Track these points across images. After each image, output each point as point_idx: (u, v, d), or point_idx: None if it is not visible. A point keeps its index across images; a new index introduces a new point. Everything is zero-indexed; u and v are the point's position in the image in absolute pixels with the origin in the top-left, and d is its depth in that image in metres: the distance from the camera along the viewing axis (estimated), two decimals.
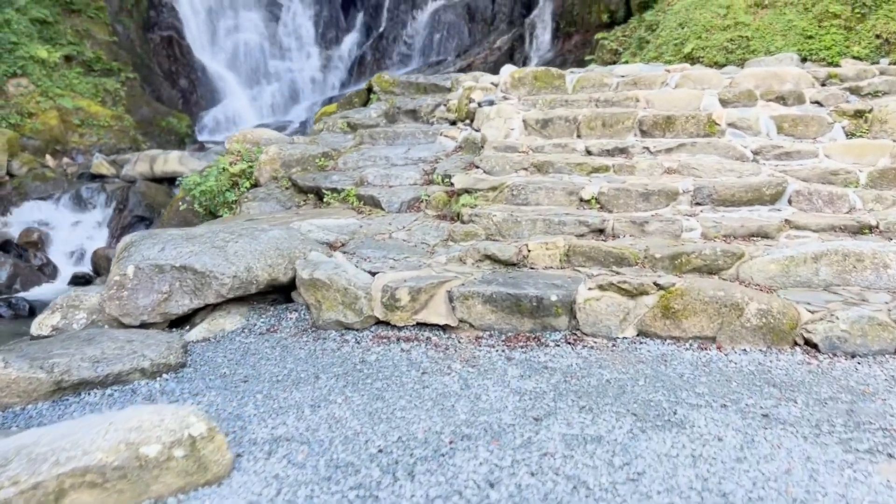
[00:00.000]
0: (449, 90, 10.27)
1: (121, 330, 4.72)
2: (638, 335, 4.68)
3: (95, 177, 13.81)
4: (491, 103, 8.33)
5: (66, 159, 14.36)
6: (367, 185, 7.69)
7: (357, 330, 4.90)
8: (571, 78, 9.12)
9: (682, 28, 13.92)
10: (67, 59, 17.20)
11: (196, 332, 4.97)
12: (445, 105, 9.49)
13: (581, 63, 22.21)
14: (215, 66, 22.75)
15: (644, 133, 7.84)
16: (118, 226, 12.26)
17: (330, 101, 20.16)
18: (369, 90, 11.05)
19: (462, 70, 21.94)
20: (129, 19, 21.17)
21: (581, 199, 6.47)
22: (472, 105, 8.51)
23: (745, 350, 4.46)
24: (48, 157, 14.13)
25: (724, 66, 12.67)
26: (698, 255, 5.16)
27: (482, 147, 7.90)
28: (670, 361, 4.29)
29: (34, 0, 17.10)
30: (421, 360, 4.35)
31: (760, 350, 4.46)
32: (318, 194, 7.56)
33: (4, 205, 12.52)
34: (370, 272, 5.17)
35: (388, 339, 4.71)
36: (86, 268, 11.39)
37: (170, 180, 13.31)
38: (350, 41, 24.16)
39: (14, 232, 11.85)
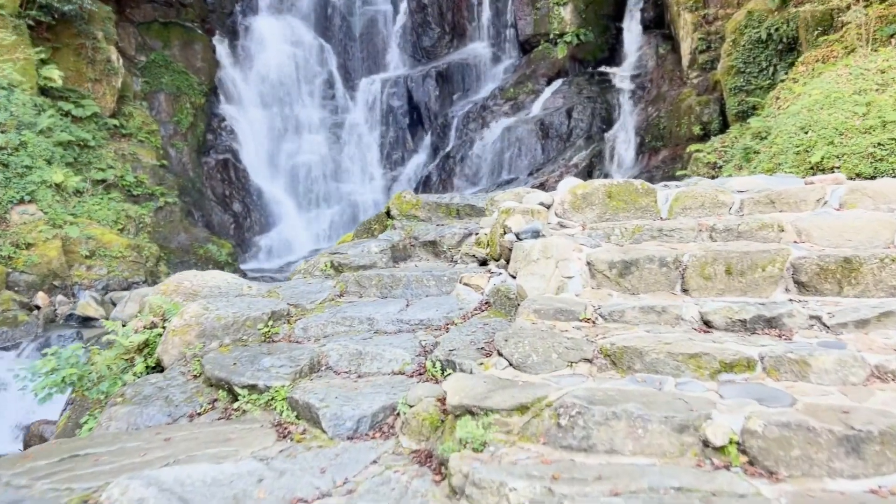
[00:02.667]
0: (485, 213, 6.99)
1: None
2: None
3: (85, 319, 11.09)
4: (535, 235, 4.93)
5: (60, 297, 11.75)
6: (320, 375, 4.34)
7: None
8: (666, 195, 5.65)
9: (806, 133, 10.34)
10: (102, 183, 15.08)
11: None
12: (477, 235, 6.18)
13: (668, 180, 18.79)
14: (272, 190, 20.49)
15: (803, 287, 4.23)
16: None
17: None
18: (388, 214, 7.91)
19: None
20: (184, 143, 19.29)
21: (706, 445, 2.87)
22: (509, 237, 5.14)
23: None
24: (40, 294, 11.55)
25: (873, 177, 9.00)
26: None
27: (517, 305, 4.48)
28: None
29: (69, 124, 15.22)
30: None
31: None
32: (232, 392, 4.24)
33: None
34: None
35: None
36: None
37: None
38: (416, 162, 21.62)
39: None
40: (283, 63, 21.95)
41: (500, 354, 3.74)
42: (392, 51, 23.02)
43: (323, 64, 22.46)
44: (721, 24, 18.88)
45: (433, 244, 6.41)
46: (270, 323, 5.05)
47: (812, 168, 9.95)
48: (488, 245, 5.69)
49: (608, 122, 19.77)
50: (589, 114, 19.75)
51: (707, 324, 3.97)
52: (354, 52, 22.93)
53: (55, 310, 11.38)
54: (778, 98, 12.85)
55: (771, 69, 16.31)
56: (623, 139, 19.17)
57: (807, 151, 10.10)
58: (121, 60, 17.50)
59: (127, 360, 4.97)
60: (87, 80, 16.77)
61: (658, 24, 21.33)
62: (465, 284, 5.20)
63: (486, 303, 4.99)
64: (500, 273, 5.15)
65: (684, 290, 4.45)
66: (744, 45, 16.71)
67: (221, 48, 21.85)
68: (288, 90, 21.88)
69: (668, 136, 18.53)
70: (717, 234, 4.93)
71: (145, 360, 4.86)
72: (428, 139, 21.71)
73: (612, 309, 4.13)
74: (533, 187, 19.74)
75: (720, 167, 13.39)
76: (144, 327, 5.19)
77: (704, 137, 18.01)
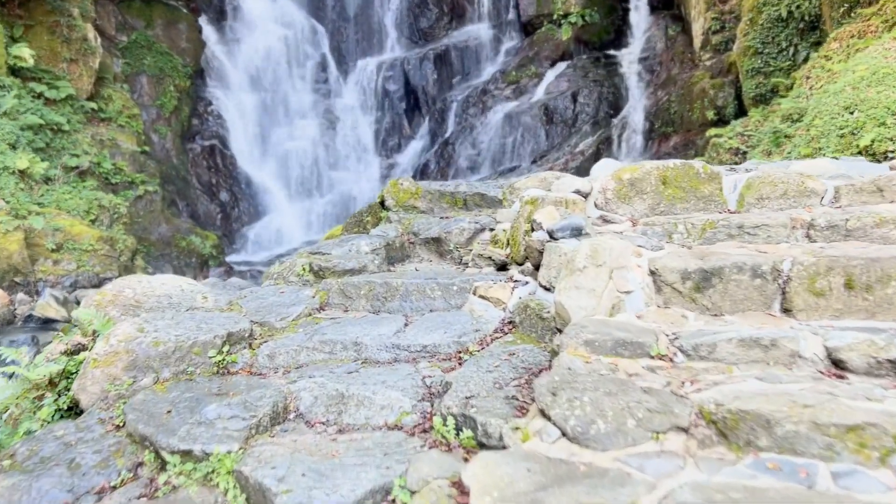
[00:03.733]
0: (501, 203, 5.70)
1: None
2: None
3: (46, 321, 9.80)
4: (577, 233, 3.64)
5: (21, 295, 10.43)
6: (285, 429, 3.06)
7: None
8: (734, 181, 4.35)
9: (851, 113, 9.07)
10: (75, 170, 13.73)
11: None
12: (493, 231, 4.90)
13: None
14: (262, 178, 19.14)
15: None
16: None
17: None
18: (383, 205, 6.62)
19: None
20: (167, 128, 17.91)
21: None
22: (539, 235, 3.85)
23: None
24: None
25: None
26: None
27: (558, 331, 3.23)
28: None
29: (41, 106, 13.85)
30: None
31: None
32: (160, 457, 2.96)
33: None
34: None
35: None
36: None
37: None
38: (413, 148, 20.28)
39: None
40: (274, 44, 20.55)
41: (544, 415, 2.47)
42: (388, 32, 21.63)
43: (315, 46, 21.07)
44: (735, 2, 17.54)
45: (437, 242, 5.13)
46: (226, 349, 3.77)
47: (861, 152, 8.69)
48: (508, 244, 4.41)
49: (615, 107, 18.46)
50: (595, 98, 18.43)
51: (838, 364, 2.71)
52: (348, 34, 21.53)
53: (14, 309, 10.08)
54: (808, 77, 11.57)
55: (791, 49, 15.01)
56: (632, 124, 17.87)
57: (853, 134, 8.83)
58: (99, 40, 16.09)
59: (37, 397, 3.69)
60: (62, 61, 15.38)
61: (667, 4, 19.98)
62: (482, 297, 3.92)
63: (510, 322, 3.72)
64: (527, 282, 3.87)
65: (786, 311, 3.18)
66: (762, 25, 15.40)
67: (208, 28, 20.43)
68: (278, 73, 20.50)
69: (680, 121, 17.24)
70: (816, 232, 3.65)
71: (57, 398, 3.58)
72: (426, 125, 20.38)
73: (697, 340, 2.85)
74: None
75: (744, 153, 12.12)
76: (63, 352, 3.91)
77: (719, 122, 16.71)
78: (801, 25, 14.81)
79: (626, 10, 20.62)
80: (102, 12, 17.46)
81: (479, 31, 21.14)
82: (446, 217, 5.72)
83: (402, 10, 21.47)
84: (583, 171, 17.65)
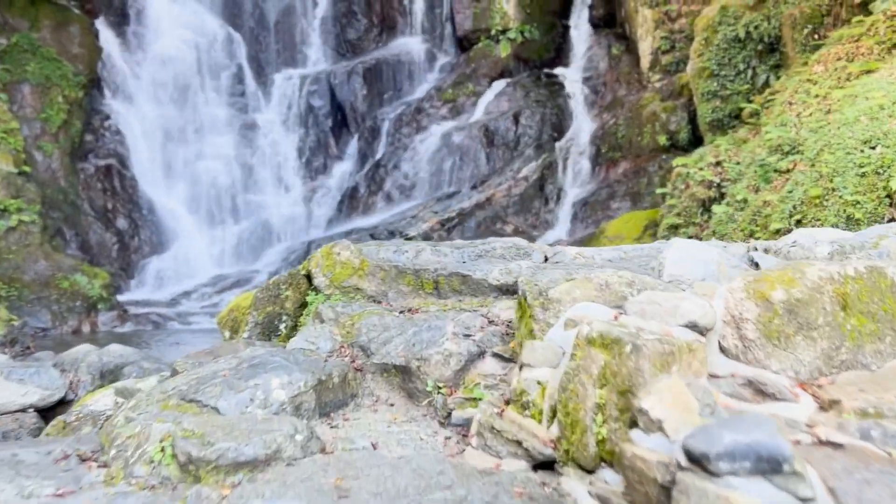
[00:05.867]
0: (491, 291, 3.53)
1: None
2: None
3: None
4: (769, 469, 1.54)
5: None
6: None
7: None
8: None
9: (873, 148, 7.43)
10: None
11: None
12: (503, 360, 2.72)
13: (635, 197, 15.87)
14: (167, 202, 16.38)
15: None
16: None
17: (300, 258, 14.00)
18: (309, 278, 4.38)
19: (479, 206, 15.58)
20: (54, 145, 14.96)
21: None
22: (656, 444, 1.74)
23: None
24: None
25: None
26: None
27: None
28: None
29: None
30: None
31: None
32: None
33: None
34: None
35: None
36: None
37: None
38: (341, 170, 17.94)
39: None
40: (183, 53, 17.82)
41: None
42: (312, 43, 19.24)
43: (231, 55, 18.46)
44: (686, 21, 16.09)
45: (403, 373, 2.97)
46: None
47: (889, 196, 7.04)
48: (554, 418, 2.28)
49: (559, 129, 16.69)
50: (538, 119, 16.61)
51: None
52: (268, 43, 19.02)
53: None
54: (792, 103, 9.98)
55: (750, 72, 13.57)
56: (577, 149, 16.13)
57: (877, 174, 7.17)
58: None
59: None
60: None
61: (609, 23, 18.43)
62: None
63: None
64: None
65: None
66: (718, 45, 13.91)
67: (107, 33, 17.52)
68: (189, 84, 17.77)
69: (628, 145, 15.61)
70: None
71: None
72: (354, 144, 18.09)
73: None
74: (477, 203, 16.44)
75: (720, 186, 10.44)
76: None
77: (672, 148, 15.15)
78: (760, 47, 13.40)
79: (567, 28, 18.99)
80: None
81: (411, 44, 19.05)
82: (410, 311, 3.55)
83: (327, 20, 19.14)
84: (527, 197, 15.80)
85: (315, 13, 19.29)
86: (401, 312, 3.60)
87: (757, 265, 2.89)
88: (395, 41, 19.18)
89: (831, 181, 7.49)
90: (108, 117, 16.64)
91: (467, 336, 2.98)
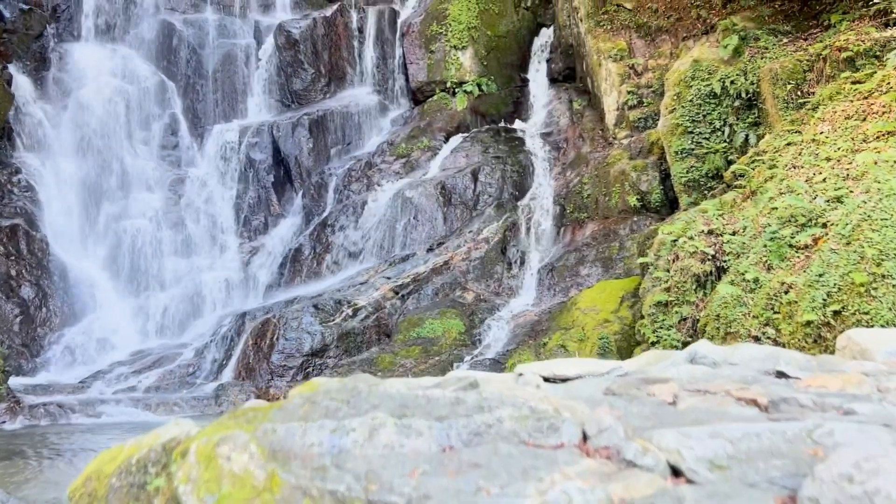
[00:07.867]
0: None
1: None
2: None
3: None
4: None
5: None
6: None
7: None
8: None
9: None
10: None
11: None
12: None
13: (606, 262, 14.29)
14: (84, 266, 14.12)
15: None
16: None
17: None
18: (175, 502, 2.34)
19: (436, 270, 13.74)
20: None
21: None
22: None
23: None
24: None
25: None
26: None
27: None
28: None
29: None
30: None
31: None
32: None
33: None
34: None
35: None
36: None
37: None
38: (283, 229, 15.96)
39: None
40: (109, 101, 15.76)
41: None
42: (254, 93, 17.42)
43: (164, 105, 16.47)
44: (653, 75, 14.90)
45: None
46: None
47: None
48: None
49: (521, 188, 15.15)
50: (498, 177, 15.05)
51: None
52: (206, 93, 17.10)
53: None
54: (796, 167, 8.56)
55: (727, 129, 12.30)
56: (540, 209, 14.56)
57: None
58: None
59: None
60: None
61: (569, 77, 17.19)
62: None
63: None
64: None
65: None
66: (691, 101, 12.64)
67: (22, 78, 15.39)
68: (115, 136, 15.68)
69: (595, 206, 14.13)
70: None
71: None
72: (299, 201, 16.17)
73: None
74: (434, 267, 14.61)
75: (717, 259, 8.88)
76: None
77: (643, 210, 13.70)
78: (737, 103, 12.18)
79: (525, 81, 17.68)
80: None
81: (361, 95, 17.42)
82: None
83: (271, 69, 17.38)
84: (488, 262, 14.08)
85: (258, 62, 17.52)
86: None
87: None
88: (344, 92, 17.52)
89: (879, 265, 5.93)
90: (17, 171, 14.40)
91: None
